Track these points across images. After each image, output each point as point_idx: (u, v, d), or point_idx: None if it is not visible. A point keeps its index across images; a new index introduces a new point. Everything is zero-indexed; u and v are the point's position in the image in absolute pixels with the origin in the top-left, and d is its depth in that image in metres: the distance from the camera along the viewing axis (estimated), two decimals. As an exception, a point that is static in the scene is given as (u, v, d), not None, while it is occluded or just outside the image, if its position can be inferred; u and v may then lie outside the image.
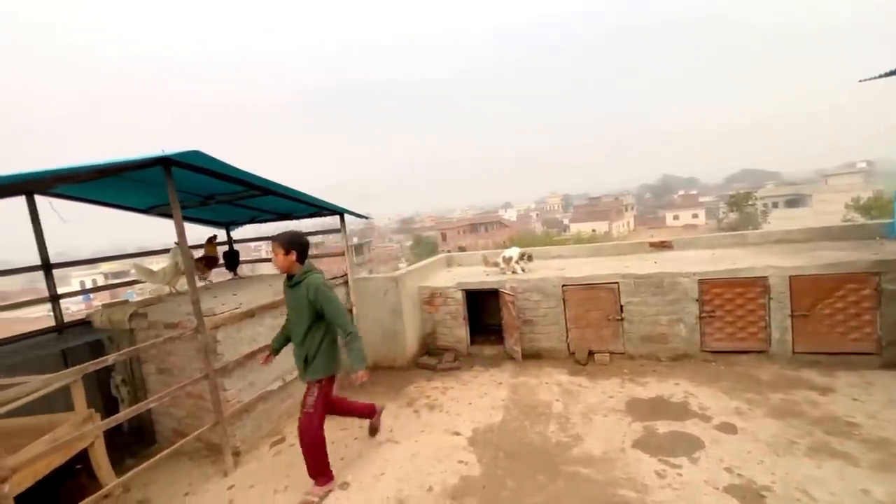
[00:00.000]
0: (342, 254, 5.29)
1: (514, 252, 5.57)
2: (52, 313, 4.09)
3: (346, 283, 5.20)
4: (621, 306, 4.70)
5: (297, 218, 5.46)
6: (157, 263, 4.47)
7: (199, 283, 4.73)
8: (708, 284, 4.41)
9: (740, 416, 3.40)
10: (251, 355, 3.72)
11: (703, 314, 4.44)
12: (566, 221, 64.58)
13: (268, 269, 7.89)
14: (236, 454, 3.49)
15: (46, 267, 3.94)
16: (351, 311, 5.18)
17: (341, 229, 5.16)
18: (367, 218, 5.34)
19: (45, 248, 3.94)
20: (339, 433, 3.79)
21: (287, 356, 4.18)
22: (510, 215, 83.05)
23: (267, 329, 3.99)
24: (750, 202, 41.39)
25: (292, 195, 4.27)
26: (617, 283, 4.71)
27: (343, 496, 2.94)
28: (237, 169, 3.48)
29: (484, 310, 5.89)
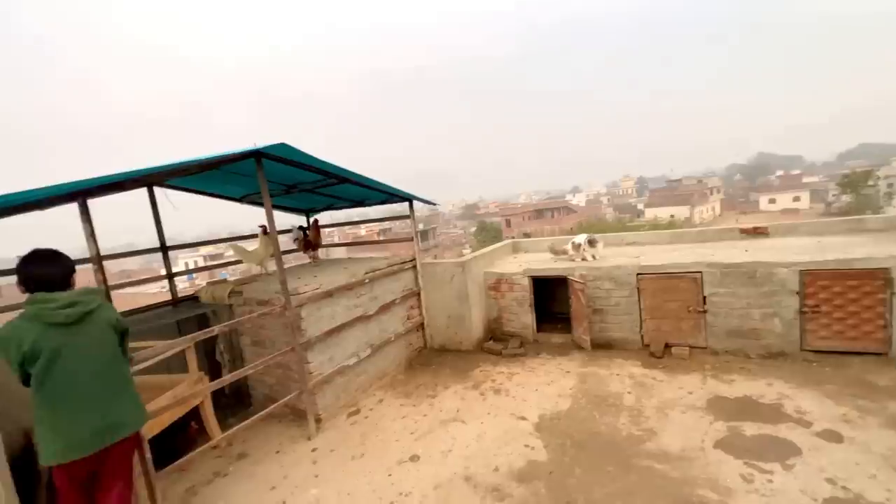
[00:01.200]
0: (410, 239, 5.48)
1: (583, 238, 5.36)
2: (167, 290, 4.75)
3: (413, 267, 5.39)
4: (704, 297, 4.35)
5: (369, 205, 5.74)
6: (250, 246, 4.95)
7: (307, 262, 5.30)
8: (812, 276, 3.91)
9: (848, 423, 3.02)
10: (330, 333, 4.03)
11: (805, 309, 3.95)
12: (640, 206, 60.37)
13: (340, 253, 8.40)
14: (318, 421, 3.83)
15: (164, 249, 4.56)
16: (419, 294, 5.38)
17: (410, 215, 5.33)
18: (434, 204, 5.46)
19: (163, 233, 4.56)
20: (409, 409, 3.99)
21: (362, 335, 4.48)
22: (578, 200, 79.52)
23: (343, 309, 4.28)
24: (870, 182, 35.49)
25: (365, 183, 4.49)
26: (700, 272, 4.35)
27: (413, 468, 3.11)
28: (317, 159, 3.73)
29: (551, 297, 5.78)
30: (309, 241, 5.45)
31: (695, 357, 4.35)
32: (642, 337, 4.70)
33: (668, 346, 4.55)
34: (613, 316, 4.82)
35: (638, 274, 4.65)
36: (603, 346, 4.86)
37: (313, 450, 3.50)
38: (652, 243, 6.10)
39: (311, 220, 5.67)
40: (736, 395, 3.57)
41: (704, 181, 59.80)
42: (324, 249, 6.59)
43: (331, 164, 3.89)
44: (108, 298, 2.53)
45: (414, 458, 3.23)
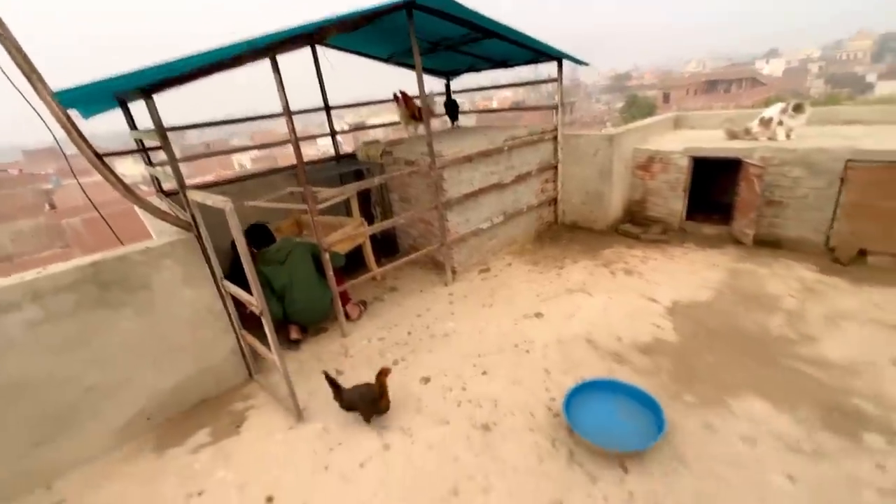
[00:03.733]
0: (554, 107, 5.06)
1: (777, 108, 4.25)
2: (319, 150, 5.40)
3: (554, 139, 5.08)
4: (948, 198, 3.27)
5: (513, 66, 5.31)
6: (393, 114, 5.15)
7: (408, 135, 5.16)
8: None
9: None
10: (468, 196, 4.26)
11: None
12: (871, 78, 43.91)
13: (468, 121, 8.27)
14: (454, 272, 4.34)
15: (327, 108, 5.06)
16: (556, 168, 5.17)
17: (557, 78, 4.83)
18: (586, 64, 4.79)
19: (326, 93, 5.01)
20: (535, 275, 4.22)
21: (496, 203, 4.63)
22: (773, 69, 60.64)
23: (480, 175, 4.40)
24: None
25: (514, 37, 4.10)
26: (955, 163, 3.21)
27: (537, 322, 3.42)
28: (466, 8, 3.47)
29: (712, 184, 5.00)
30: (411, 112, 5.05)
31: (900, 270, 3.52)
32: (828, 238, 3.90)
33: (862, 252, 3.72)
34: (794, 211, 4.02)
35: (848, 160, 3.64)
36: (768, 244, 4.21)
37: (450, 294, 4.05)
38: (884, 122, 4.57)
39: (399, 93, 5.05)
40: (950, 320, 2.88)
41: None
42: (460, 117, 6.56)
43: (480, 15, 3.60)
44: (298, 149, 3.01)
45: (538, 314, 3.53)
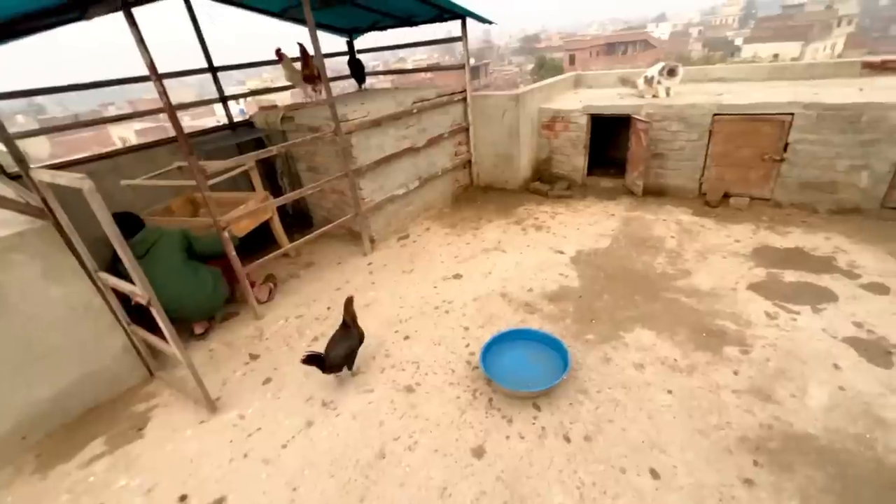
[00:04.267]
0: (462, 66, 5.01)
1: (657, 68, 4.65)
2: (220, 119, 4.84)
3: (464, 100, 5.06)
4: (786, 144, 3.88)
5: (417, 24, 5.11)
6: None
7: (305, 98, 4.68)
8: (934, 122, 3.30)
9: (902, 279, 2.94)
10: (380, 162, 4.13)
11: (906, 162, 3.47)
12: (739, 42, 49.81)
13: (384, 84, 7.93)
14: (372, 241, 4.25)
15: (213, 69, 4.48)
16: (467, 130, 5.19)
17: (462, 37, 4.75)
18: (491, 23, 4.75)
19: (209, 52, 4.41)
20: (453, 238, 4.29)
21: (411, 168, 4.55)
22: (661, 32, 66.21)
23: (392, 140, 4.27)
24: None
25: (413, -9, 3.91)
26: (792, 114, 3.79)
27: (456, 284, 3.52)
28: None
29: (609, 140, 5.39)
30: (309, 73, 4.43)
31: (753, 208, 4.15)
32: (700, 185, 4.45)
33: (727, 195, 4.32)
34: (674, 161, 4.51)
35: (714, 115, 4.13)
36: (655, 193, 4.70)
37: (369, 264, 3.98)
38: (743, 79, 5.22)
39: (299, 47, 4.43)
40: (786, 246, 3.49)
41: (836, 7, 46.76)
42: (368, 80, 6.24)
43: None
44: (175, 117, 2.64)
45: (457, 276, 3.62)
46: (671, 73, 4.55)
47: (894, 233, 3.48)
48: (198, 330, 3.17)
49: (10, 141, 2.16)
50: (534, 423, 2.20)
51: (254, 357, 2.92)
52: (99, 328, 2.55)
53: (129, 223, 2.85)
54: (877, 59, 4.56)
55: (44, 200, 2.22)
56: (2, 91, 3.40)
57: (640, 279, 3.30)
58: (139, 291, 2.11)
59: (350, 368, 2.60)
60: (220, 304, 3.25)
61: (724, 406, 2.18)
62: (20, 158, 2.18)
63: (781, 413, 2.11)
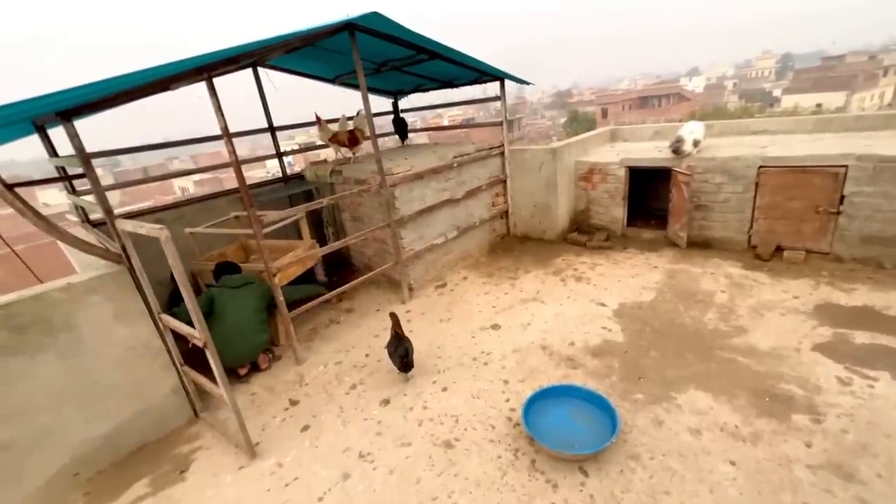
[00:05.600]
0: (498, 124, 5.25)
1: (688, 130, 4.59)
2: (269, 172, 5.25)
3: (501, 154, 5.26)
4: (842, 197, 3.72)
5: (459, 85, 5.47)
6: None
7: (345, 156, 4.91)
8: None
9: None
10: (421, 213, 4.29)
11: (984, 215, 3.22)
12: (777, 93, 49.35)
13: (421, 139, 8.38)
14: (410, 289, 4.32)
15: (272, 129, 4.94)
16: (505, 181, 5.34)
17: (501, 96, 5.03)
18: (528, 83, 5.02)
19: (270, 114, 4.89)
20: (491, 287, 4.29)
21: (450, 218, 4.69)
22: (696, 85, 66.76)
23: (432, 191, 4.45)
24: None
25: (457, 59, 4.23)
26: (846, 166, 3.66)
27: (494, 334, 3.47)
28: (410, 30, 3.55)
29: (648, 191, 5.37)
30: (354, 135, 4.68)
31: (811, 262, 3.92)
32: (749, 238, 4.29)
33: (779, 248, 4.12)
34: (719, 213, 4.40)
35: (760, 167, 4.05)
36: (700, 245, 4.56)
37: (407, 311, 4.02)
38: (787, 132, 5.13)
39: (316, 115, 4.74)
40: (853, 304, 3.24)
41: (880, 57, 45.81)
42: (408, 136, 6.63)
43: (423, 37, 3.70)
44: (240, 172, 2.91)
45: (495, 326, 3.58)
46: (676, 150, 4.50)
47: (980, 292, 3.17)
48: (241, 372, 3.26)
49: (102, 194, 2.43)
50: (581, 490, 2.05)
51: (293, 403, 2.95)
52: (154, 368, 2.68)
53: (230, 268, 3.48)
54: (934, 109, 4.38)
55: (122, 247, 2.45)
56: (93, 151, 3.89)
57: (690, 335, 3.13)
58: (197, 334, 2.23)
59: (408, 371, 2.99)
60: (255, 353, 3.34)
61: (798, 483, 1.96)
62: (108, 210, 2.44)
63: (868, 496, 1.87)
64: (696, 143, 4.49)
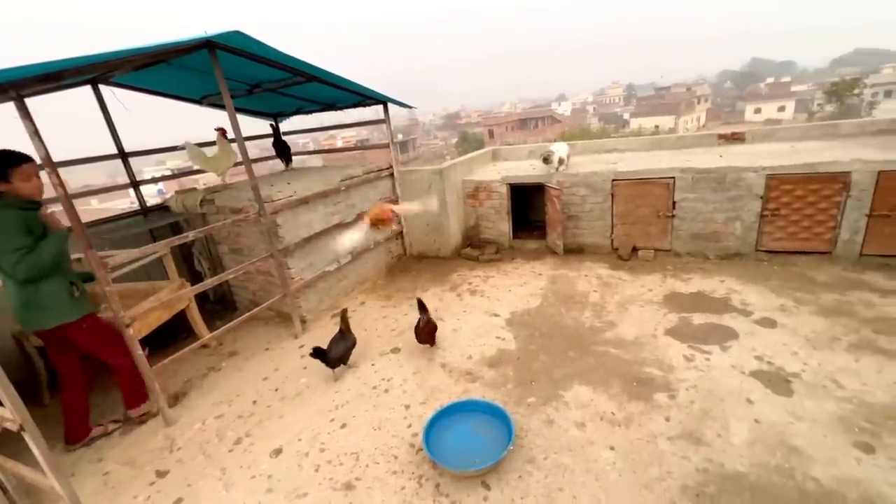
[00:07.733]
0: (386, 146, 5.29)
1: (560, 151, 5.19)
2: (135, 202, 4.57)
3: (391, 175, 5.28)
4: (674, 202, 4.49)
5: (341, 108, 5.39)
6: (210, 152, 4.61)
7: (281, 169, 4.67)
8: (777, 180, 4.03)
9: (784, 312, 3.38)
10: (309, 239, 4.07)
11: (766, 212, 4.15)
12: (626, 116, 58.64)
13: (315, 161, 8.09)
14: (303, 321, 4.04)
15: (123, 155, 4.28)
16: (396, 202, 5.36)
17: (385, 119, 5.08)
18: (410, 107, 5.16)
19: (118, 137, 4.24)
20: (389, 310, 4.22)
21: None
22: (564, 109, 76.32)
23: (320, 216, 4.26)
24: (856, 91, 34.92)
25: (336, 82, 4.17)
26: (673, 178, 4.43)
27: (395, 359, 3.40)
28: (278, 51, 3.39)
29: (529, 205, 5.85)
30: None
31: (658, 259, 4.63)
32: (612, 241, 4.92)
33: (635, 249, 4.80)
34: (587, 222, 4.97)
35: (613, 180, 4.70)
36: (575, 251, 5.09)
37: (300, 346, 3.74)
38: (632, 150, 6.07)
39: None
40: (690, 291, 3.89)
41: (693, 89, 57.62)
42: (298, 158, 6.33)
43: (295, 59, 3.56)
44: (72, 207, 2.44)
45: (395, 349, 3.51)
46: (546, 160, 5.14)
47: (770, 271, 4.06)
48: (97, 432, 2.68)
49: None
50: (484, 505, 2.07)
51: (161, 474, 2.50)
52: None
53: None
54: (727, 131, 5.59)
55: None
56: None
57: (571, 335, 3.44)
58: (10, 416, 1.76)
59: (345, 364, 3.25)
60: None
61: (662, 456, 2.24)
62: None
63: (713, 454, 2.21)
64: (561, 161, 5.04)
